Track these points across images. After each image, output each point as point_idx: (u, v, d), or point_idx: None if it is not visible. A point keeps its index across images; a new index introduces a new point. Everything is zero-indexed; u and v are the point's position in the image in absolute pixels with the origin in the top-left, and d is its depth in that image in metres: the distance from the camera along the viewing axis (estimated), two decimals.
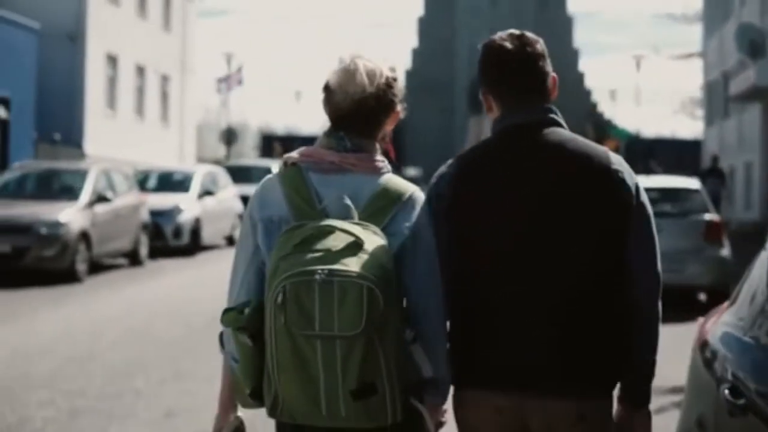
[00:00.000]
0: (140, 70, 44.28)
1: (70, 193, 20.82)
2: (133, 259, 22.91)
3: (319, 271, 3.13)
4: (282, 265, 3.19)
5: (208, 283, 20.24)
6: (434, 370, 3.43)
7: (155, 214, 24.64)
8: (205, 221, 26.53)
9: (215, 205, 27.58)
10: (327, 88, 3.51)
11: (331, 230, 3.24)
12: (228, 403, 3.60)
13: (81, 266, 19.67)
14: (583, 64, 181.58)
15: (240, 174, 36.28)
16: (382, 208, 3.40)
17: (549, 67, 3.66)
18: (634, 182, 3.57)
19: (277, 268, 3.20)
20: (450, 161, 3.71)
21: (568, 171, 3.52)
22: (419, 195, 3.49)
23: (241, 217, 29.76)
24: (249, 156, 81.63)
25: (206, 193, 27.04)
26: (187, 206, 25.91)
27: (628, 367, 3.60)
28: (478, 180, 3.57)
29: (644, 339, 3.61)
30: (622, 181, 3.53)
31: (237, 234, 27.92)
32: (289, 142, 51.32)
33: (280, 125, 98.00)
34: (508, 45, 3.60)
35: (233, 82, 57.21)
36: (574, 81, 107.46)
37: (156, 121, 46.02)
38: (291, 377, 3.20)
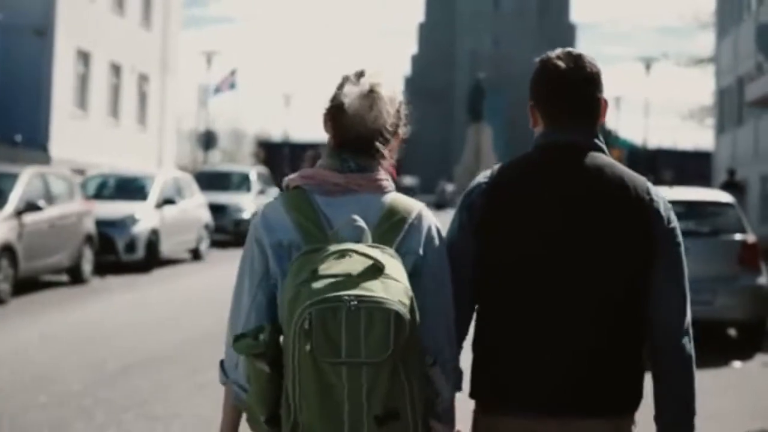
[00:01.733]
0: (115, 69, 41.78)
1: None
2: (74, 276, 20.15)
3: (345, 297, 3.05)
4: (303, 290, 3.09)
5: (154, 306, 17.43)
6: (451, 393, 3.46)
7: (105, 224, 21.93)
8: (164, 233, 23.73)
9: (177, 214, 24.74)
10: (341, 110, 3.42)
11: (349, 254, 3.16)
12: (231, 426, 3.52)
13: (2, 285, 16.89)
14: None
15: (215, 181, 33.75)
16: (392, 227, 3.36)
17: (601, 91, 3.66)
18: (668, 211, 3.57)
19: (298, 293, 3.10)
20: (486, 172, 3.68)
21: (605, 196, 3.53)
22: (427, 213, 3.47)
23: (207, 227, 27.90)
24: (246, 163, 79.34)
25: (167, 201, 24.14)
26: (144, 216, 23.05)
27: (665, 406, 3.58)
28: (512, 195, 3.56)
29: (674, 386, 3.56)
30: (656, 211, 3.54)
31: (204, 247, 25.67)
32: (300, 149, 48.64)
33: (279, 132, 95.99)
34: (564, 65, 3.61)
35: (225, 86, 56.11)
36: None
37: (132, 123, 43.49)
38: (314, 404, 3.11)
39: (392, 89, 3.49)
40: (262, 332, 3.24)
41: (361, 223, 3.28)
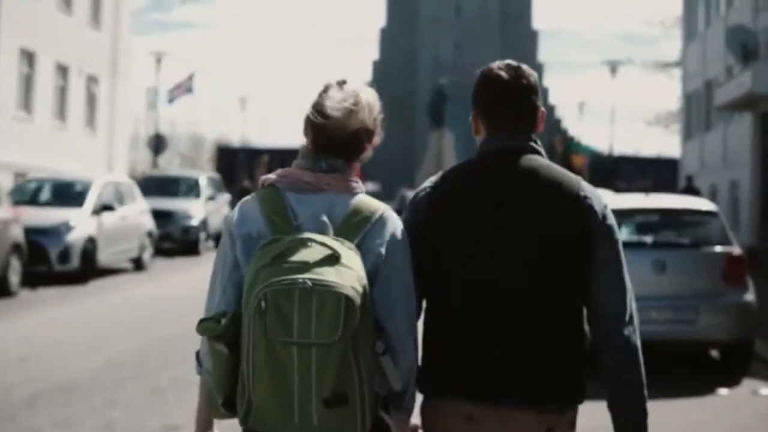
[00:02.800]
0: (62, 70, 40.11)
1: None
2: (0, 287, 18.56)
3: (300, 281, 3.24)
4: (261, 274, 3.30)
5: (84, 322, 15.91)
6: (402, 384, 3.55)
7: (37, 232, 20.43)
8: (102, 241, 22.19)
9: (117, 222, 23.20)
10: (322, 115, 3.60)
11: (309, 243, 3.37)
12: (205, 423, 3.69)
13: None
14: (551, 81, 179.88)
15: (163, 186, 32.25)
16: (355, 225, 3.52)
17: (539, 101, 3.84)
18: (602, 208, 3.71)
19: (256, 278, 3.31)
20: (430, 179, 3.85)
21: (539, 195, 3.68)
22: (391, 214, 3.62)
23: (150, 234, 26.40)
24: (204, 169, 77.83)
25: (105, 207, 22.57)
26: (79, 223, 21.48)
27: (615, 396, 3.71)
28: (455, 198, 3.73)
29: (622, 377, 3.68)
30: (589, 207, 3.68)
31: (147, 256, 24.09)
32: (256, 154, 47.25)
33: (239, 138, 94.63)
34: (505, 75, 3.80)
35: (182, 90, 54.98)
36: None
37: (80, 127, 41.79)
38: (266, 384, 3.30)
39: (372, 97, 3.70)
40: (224, 316, 3.39)
41: (324, 217, 3.48)
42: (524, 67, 3.84)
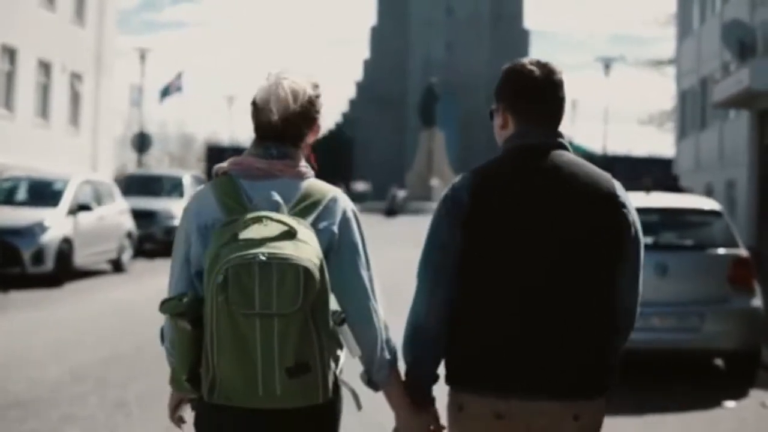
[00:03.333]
0: (45, 67, 39.32)
1: None
2: None
3: (260, 255, 3.36)
4: (222, 251, 3.41)
5: (55, 327, 15.09)
6: (363, 353, 3.71)
7: (9, 233, 19.68)
8: (78, 242, 21.34)
9: (95, 222, 22.35)
10: (254, 105, 3.77)
11: (265, 220, 3.49)
12: (176, 398, 3.88)
13: None
14: None
15: (146, 185, 31.40)
16: (307, 207, 3.65)
17: (566, 95, 3.93)
18: (633, 207, 3.84)
19: (217, 255, 3.42)
20: (465, 174, 3.90)
21: (578, 192, 3.77)
22: (342, 195, 3.77)
23: (130, 235, 25.55)
24: (194, 168, 77.09)
25: (82, 207, 21.73)
26: (54, 223, 20.64)
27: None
28: (495, 192, 3.78)
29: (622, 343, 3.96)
30: (625, 207, 3.80)
31: (126, 258, 23.25)
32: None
33: (228, 138, 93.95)
34: (536, 71, 3.87)
35: (172, 89, 55.08)
36: None
37: (64, 125, 41.00)
38: (230, 357, 3.41)
39: (299, 84, 3.77)
40: (185, 296, 3.57)
41: (277, 197, 3.61)
42: (553, 63, 3.93)
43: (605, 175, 3.86)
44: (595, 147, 62.55)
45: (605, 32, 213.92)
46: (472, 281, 3.76)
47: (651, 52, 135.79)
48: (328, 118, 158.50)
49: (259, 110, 3.76)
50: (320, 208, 3.68)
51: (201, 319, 3.48)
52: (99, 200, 23.11)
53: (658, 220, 12.50)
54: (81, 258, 21.69)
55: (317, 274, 3.42)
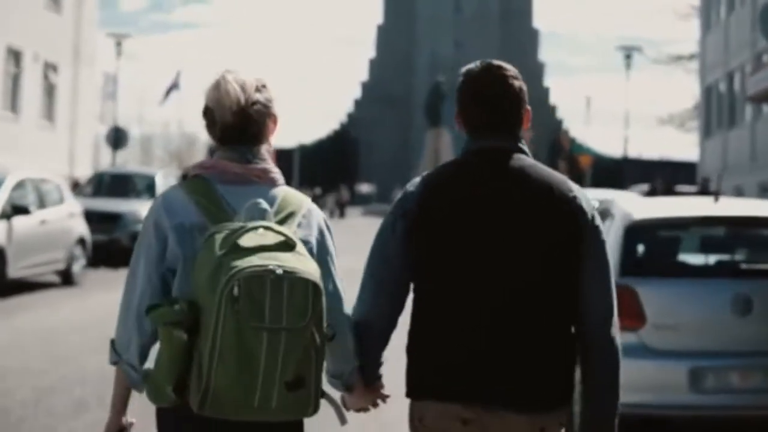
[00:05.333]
0: (14, 55, 36.29)
1: None
2: None
3: (270, 267, 3.34)
4: (225, 262, 3.35)
5: None
6: (345, 361, 3.83)
7: None
8: (13, 251, 18.01)
9: (35, 227, 19.01)
10: (207, 108, 3.73)
11: (263, 231, 3.46)
12: (121, 407, 3.73)
13: None
14: (552, 83, 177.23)
15: (115, 185, 28.16)
16: (288, 216, 3.66)
17: (524, 101, 3.90)
18: (591, 208, 3.80)
19: (220, 265, 3.36)
20: (415, 180, 3.92)
21: (530, 194, 3.74)
22: (314, 206, 3.82)
23: (82, 242, 22.26)
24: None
25: (18, 210, 18.43)
26: None
27: (589, 403, 3.84)
28: (443, 199, 3.78)
29: (604, 375, 3.80)
30: (579, 207, 3.76)
31: (78, 268, 19.86)
32: None
33: None
34: (488, 75, 3.87)
35: (172, 88, 54.88)
36: (538, 96, 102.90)
37: (36, 119, 37.88)
38: (231, 368, 3.35)
39: (243, 77, 3.72)
40: (176, 303, 3.42)
41: (265, 205, 3.56)
42: (508, 66, 3.89)
43: (561, 178, 3.84)
44: (609, 150, 60.12)
45: (612, 35, 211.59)
46: (429, 293, 3.77)
47: (663, 54, 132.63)
48: (333, 119, 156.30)
49: (212, 112, 3.72)
50: (299, 218, 3.71)
51: (196, 327, 3.40)
52: (42, 202, 19.75)
53: (732, 235, 9.20)
54: (17, 270, 18.34)
55: (322, 289, 3.42)
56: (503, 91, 3.84)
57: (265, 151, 3.76)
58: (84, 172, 37.43)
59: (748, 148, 36.29)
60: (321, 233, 3.75)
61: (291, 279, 3.33)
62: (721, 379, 7.93)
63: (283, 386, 3.37)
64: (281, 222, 3.59)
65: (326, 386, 3.68)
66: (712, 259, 9.19)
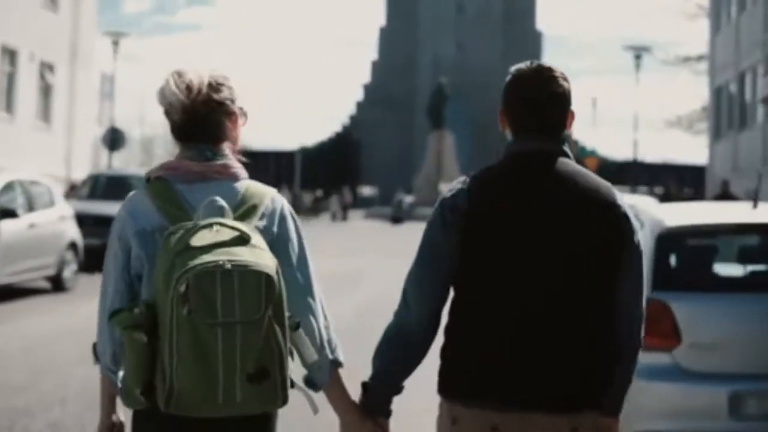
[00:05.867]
0: (10, 54, 35.54)
1: None
2: None
3: (220, 262, 3.34)
4: (178, 261, 3.37)
5: None
6: (316, 356, 3.75)
7: None
8: (0, 256, 17.25)
9: (24, 231, 18.26)
10: (164, 110, 3.77)
11: (217, 227, 3.47)
12: (110, 407, 3.79)
13: None
14: None
15: (111, 187, 27.31)
16: (248, 210, 3.67)
17: (569, 103, 3.91)
18: (632, 215, 3.83)
19: (173, 264, 3.38)
20: (463, 178, 3.90)
21: (576, 199, 3.77)
22: (279, 197, 3.81)
23: (74, 246, 20.83)
24: None
25: (5, 213, 17.65)
26: None
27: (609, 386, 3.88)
28: (493, 198, 3.79)
29: (625, 368, 3.90)
30: (624, 215, 3.79)
31: (69, 273, 19.25)
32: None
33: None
34: (538, 77, 3.86)
35: None
36: None
37: (31, 120, 37.11)
38: (190, 366, 3.37)
39: (191, 74, 3.70)
40: (136, 306, 3.47)
41: (222, 202, 3.57)
42: (556, 68, 3.90)
43: (606, 184, 3.87)
44: (614, 153, 59.79)
45: (614, 36, 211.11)
46: (470, 292, 3.79)
47: (671, 55, 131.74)
48: (335, 121, 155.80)
49: (166, 113, 3.75)
50: (261, 209, 3.70)
51: (155, 328, 3.43)
52: (31, 205, 18.98)
53: (759, 243, 8.42)
54: (4, 276, 17.59)
55: (277, 280, 3.43)
56: (552, 94, 3.86)
57: (227, 147, 3.77)
58: (82, 174, 36.65)
59: (761, 150, 35.57)
60: (282, 222, 3.75)
61: (241, 272, 3.34)
62: (764, 404, 7.17)
63: (244, 379, 3.39)
64: (242, 216, 3.62)
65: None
66: (751, 270, 8.36)
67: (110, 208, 24.97)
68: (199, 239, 3.40)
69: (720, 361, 7.27)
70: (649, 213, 8.26)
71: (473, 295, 3.77)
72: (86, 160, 42.20)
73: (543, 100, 3.84)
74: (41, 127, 38.06)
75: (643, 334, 3.89)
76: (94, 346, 3.69)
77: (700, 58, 47.52)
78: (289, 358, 3.59)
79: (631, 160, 70.51)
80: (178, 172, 3.68)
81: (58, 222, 19.89)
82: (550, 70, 3.88)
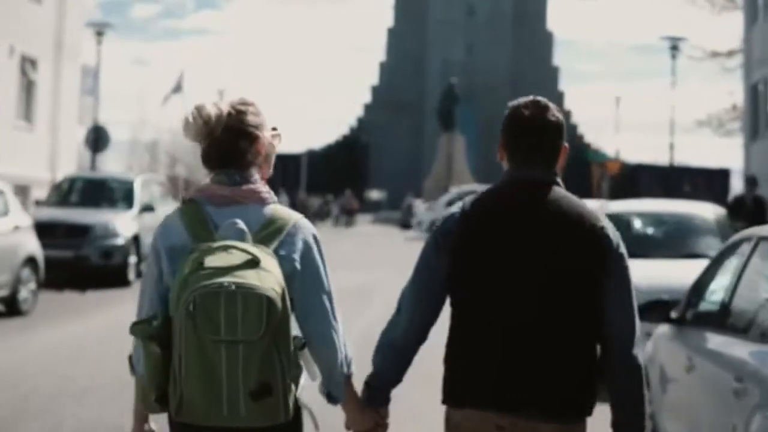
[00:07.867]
0: None
1: None
2: None
3: (225, 284, 3.61)
4: (190, 279, 3.65)
5: None
6: (322, 375, 4.02)
7: None
8: None
9: None
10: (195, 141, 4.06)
11: (230, 250, 3.72)
12: (141, 416, 4.04)
13: None
14: (570, 90, 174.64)
15: (88, 192, 24.48)
16: (271, 234, 3.90)
17: (563, 138, 4.24)
18: (616, 237, 4.11)
19: (185, 282, 3.66)
20: (459, 203, 4.21)
21: (561, 223, 4.06)
22: (304, 222, 4.02)
23: (32, 262, 18.29)
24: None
25: None
26: None
27: (621, 412, 4.13)
28: (483, 223, 4.10)
29: (632, 389, 4.12)
30: (606, 236, 4.07)
31: (26, 294, 15.99)
32: None
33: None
34: (530, 113, 4.19)
35: (174, 90, 54.90)
36: (552, 101, 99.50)
37: (11, 118, 34.25)
38: (197, 379, 3.65)
39: (210, 106, 3.98)
40: (155, 319, 3.77)
41: (242, 225, 3.83)
42: (551, 105, 4.21)
43: (590, 209, 4.11)
44: (629, 157, 57.70)
45: (626, 43, 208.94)
46: (465, 309, 4.10)
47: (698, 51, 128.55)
48: (343, 124, 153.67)
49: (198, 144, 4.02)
50: (283, 234, 3.89)
51: (170, 340, 3.68)
52: None
53: None
54: None
55: (279, 303, 3.65)
56: (546, 125, 4.18)
57: (255, 171, 4.05)
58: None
59: None
60: (306, 248, 3.95)
61: (245, 294, 3.60)
62: None
63: (247, 394, 3.65)
64: (263, 239, 3.86)
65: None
66: None
67: (83, 215, 22.10)
68: (212, 260, 3.68)
69: None
70: None
71: (468, 311, 4.11)
72: (72, 162, 39.36)
73: (537, 131, 4.17)
74: (22, 127, 35.21)
75: (637, 345, 4.08)
76: (130, 357, 3.93)
77: (731, 53, 44.51)
78: (300, 376, 3.88)
79: (646, 163, 68.17)
80: (205, 194, 4.00)
81: (11, 234, 16.86)
82: (545, 105, 4.22)
